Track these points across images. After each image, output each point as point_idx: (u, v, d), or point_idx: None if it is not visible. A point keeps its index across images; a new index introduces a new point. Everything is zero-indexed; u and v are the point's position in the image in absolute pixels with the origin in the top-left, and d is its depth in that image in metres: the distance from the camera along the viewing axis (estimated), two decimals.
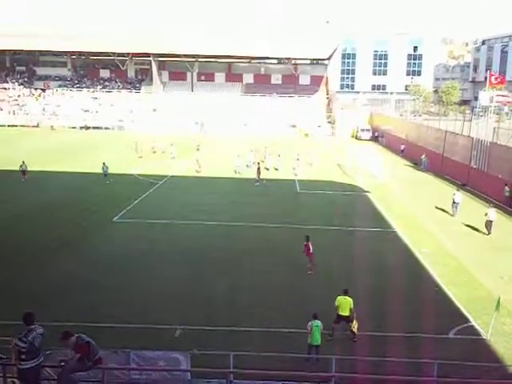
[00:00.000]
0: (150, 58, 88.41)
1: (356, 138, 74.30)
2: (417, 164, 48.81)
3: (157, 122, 76.86)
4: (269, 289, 18.50)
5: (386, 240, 25.12)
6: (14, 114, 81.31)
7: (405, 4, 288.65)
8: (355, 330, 14.52)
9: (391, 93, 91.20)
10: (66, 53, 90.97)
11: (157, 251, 22.46)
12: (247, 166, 43.70)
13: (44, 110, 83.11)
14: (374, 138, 71.80)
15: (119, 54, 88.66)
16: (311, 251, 20.19)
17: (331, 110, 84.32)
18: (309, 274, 19.93)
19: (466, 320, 16.17)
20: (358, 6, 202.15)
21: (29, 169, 37.38)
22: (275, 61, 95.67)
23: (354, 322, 14.54)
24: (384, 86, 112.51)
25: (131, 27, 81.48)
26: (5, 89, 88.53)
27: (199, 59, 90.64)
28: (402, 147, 56.88)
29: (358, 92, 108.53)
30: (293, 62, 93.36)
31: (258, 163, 39.76)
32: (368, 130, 74.66)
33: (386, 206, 31.80)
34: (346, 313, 14.58)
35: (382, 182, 39.40)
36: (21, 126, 76.64)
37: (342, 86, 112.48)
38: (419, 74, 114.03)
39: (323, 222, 27.55)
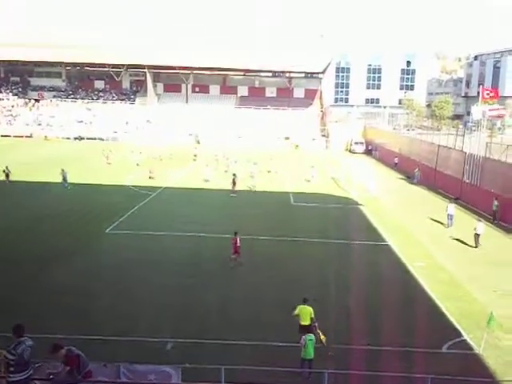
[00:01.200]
0: (145, 70, 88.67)
1: (350, 152, 74.67)
2: (410, 177, 49.04)
3: (151, 134, 76.98)
4: (261, 301, 18.40)
5: (379, 253, 25.11)
6: (7, 124, 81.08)
7: (398, 19, 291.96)
8: (324, 342, 14.32)
9: (385, 107, 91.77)
10: (60, 63, 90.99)
11: (150, 263, 22.32)
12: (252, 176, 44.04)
13: (38, 120, 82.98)
14: (368, 152, 72.15)
15: (114, 66, 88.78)
16: (238, 245, 22.17)
17: (325, 124, 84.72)
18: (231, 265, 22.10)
19: (459, 334, 16.14)
20: (352, 21, 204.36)
21: (21, 179, 37.19)
22: (270, 74, 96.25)
23: (321, 335, 14.37)
24: (377, 99, 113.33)
25: (126, 39, 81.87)
26: None
27: (194, 71, 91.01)
28: (396, 160, 57.68)
29: (351, 105, 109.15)
30: (287, 75, 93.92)
31: (234, 174, 40.20)
32: (362, 143, 75.08)
33: (380, 219, 31.86)
34: (307, 322, 14.47)
35: (375, 195, 39.50)
36: (14, 136, 76.35)
37: (336, 100, 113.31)
38: (412, 88, 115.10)
39: (317, 235, 27.54)
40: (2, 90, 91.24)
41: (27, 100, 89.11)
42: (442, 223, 30.94)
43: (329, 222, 31.17)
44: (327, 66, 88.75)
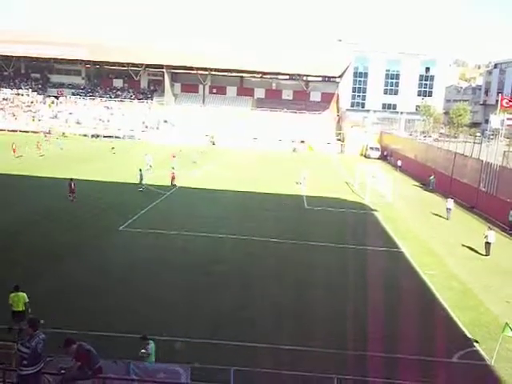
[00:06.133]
0: (163, 70, 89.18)
1: (365, 157, 74.36)
2: (425, 184, 48.69)
3: (167, 133, 77.43)
4: (273, 304, 18.40)
5: (392, 259, 24.97)
6: (26, 120, 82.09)
7: (418, 25, 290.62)
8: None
9: (401, 112, 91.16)
10: (80, 61, 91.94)
11: (161, 261, 22.46)
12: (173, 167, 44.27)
13: (56, 117, 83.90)
14: (383, 157, 71.78)
15: (133, 65, 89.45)
16: (73, 187, 32.85)
17: (341, 128, 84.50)
18: (71, 201, 32.51)
19: (471, 344, 15.98)
20: (372, 26, 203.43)
21: (39, 175, 37.56)
22: (287, 77, 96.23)
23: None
24: (395, 105, 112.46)
25: (146, 39, 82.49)
26: (19, 95, 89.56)
27: (212, 72, 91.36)
28: (400, 163, 59.67)
29: (368, 110, 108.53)
30: (304, 78, 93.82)
31: (172, 167, 42.72)
32: (377, 148, 74.71)
33: (394, 226, 31.68)
34: (20, 308, 14.71)
35: (389, 201, 39.27)
36: (32, 132, 77.19)
37: (352, 104, 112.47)
38: (430, 94, 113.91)
39: (330, 239, 27.46)
40: (23, 86, 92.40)
41: (47, 97, 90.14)
42: (444, 222, 30.72)
43: (342, 226, 31.10)
44: (345, 71, 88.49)
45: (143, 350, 12.53)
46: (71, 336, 9.84)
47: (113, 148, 60.09)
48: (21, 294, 14.85)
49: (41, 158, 52.01)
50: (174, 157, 50.02)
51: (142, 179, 38.33)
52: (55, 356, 10.35)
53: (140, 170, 38.66)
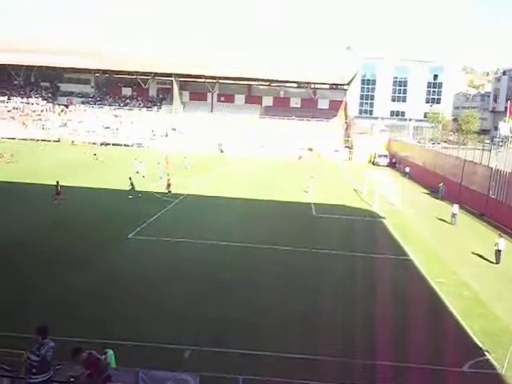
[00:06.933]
0: (172, 78, 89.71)
1: (373, 164, 74.18)
2: (434, 191, 48.46)
3: (176, 141, 77.72)
4: (281, 312, 18.34)
5: (401, 267, 24.82)
6: (36, 128, 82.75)
7: (426, 32, 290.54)
8: None
9: (410, 119, 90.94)
10: (89, 70, 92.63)
11: (169, 269, 22.47)
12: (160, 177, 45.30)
13: (66, 125, 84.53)
14: (392, 164, 71.59)
15: (142, 73, 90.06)
16: (59, 190, 33.94)
17: (349, 135, 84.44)
18: (55, 204, 32.93)
19: (482, 353, 15.82)
20: (379, 33, 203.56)
21: (47, 183, 37.91)
22: (295, 84, 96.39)
23: None
24: (403, 112, 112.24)
25: (154, 47, 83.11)
26: (29, 103, 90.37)
27: (220, 81, 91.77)
28: (408, 169, 60.24)
29: (376, 118, 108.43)
30: (312, 86, 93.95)
31: (168, 174, 43.00)
32: (385, 155, 74.52)
33: (402, 233, 31.53)
34: None
35: (398, 209, 39.12)
36: (42, 140, 77.84)
37: (360, 112, 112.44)
38: (439, 101, 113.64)
39: (338, 247, 27.37)
40: (33, 95, 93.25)
41: (56, 105, 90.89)
42: (454, 230, 30.48)
43: (350, 234, 30.99)
44: (353, 78, 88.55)
45: (102, 357, 12.58)
46: (78, 345, 9.87)
47: (95, 154, 60.32)
48: None
49: (7, 164, 52.75)
50: (167, 163, 51.90)
51: (133, 186, 38.45)
52: (64, 364, 10.39)
53: (130, 179, 38.91)
